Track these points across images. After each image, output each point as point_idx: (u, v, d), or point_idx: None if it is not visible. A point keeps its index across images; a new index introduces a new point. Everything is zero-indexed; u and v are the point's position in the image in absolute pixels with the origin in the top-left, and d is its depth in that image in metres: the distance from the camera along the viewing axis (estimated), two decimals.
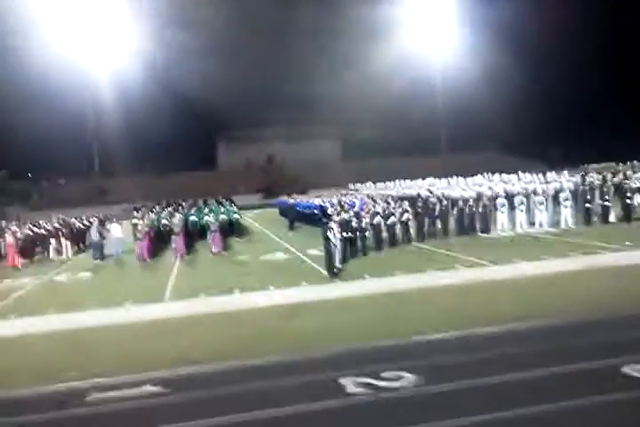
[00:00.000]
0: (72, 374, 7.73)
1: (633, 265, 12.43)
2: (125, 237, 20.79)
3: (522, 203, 19.25)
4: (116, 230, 20.59)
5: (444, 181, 32.10)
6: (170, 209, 25.90)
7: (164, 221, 22.06)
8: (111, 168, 55.79)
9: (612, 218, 19.39)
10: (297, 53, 51.29)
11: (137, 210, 26.90)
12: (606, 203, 19.42)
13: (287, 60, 52.61)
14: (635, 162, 35.58)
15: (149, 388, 7.10)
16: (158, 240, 21.61)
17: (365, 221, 16.77)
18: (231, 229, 23.36)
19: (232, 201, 29.26)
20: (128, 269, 17.57)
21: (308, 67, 52.03)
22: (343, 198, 25.15)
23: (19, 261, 19.44)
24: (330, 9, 49.64)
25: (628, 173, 29.44)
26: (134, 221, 22.18)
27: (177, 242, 18.98)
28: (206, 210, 24.54)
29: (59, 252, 20.91)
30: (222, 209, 24.69)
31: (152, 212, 24.98)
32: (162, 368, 7.74)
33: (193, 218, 22.77)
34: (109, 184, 54.43)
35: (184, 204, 30.49)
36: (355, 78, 50.53)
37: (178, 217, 20.48)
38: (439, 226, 18.99)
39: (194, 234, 22.35)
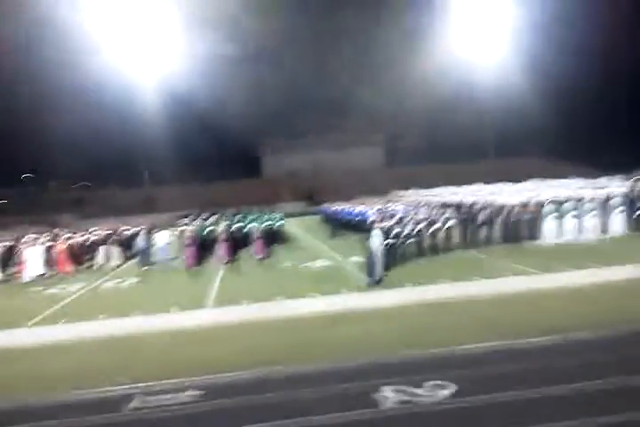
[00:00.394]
0: (117, 379, 7.93)
1: None
2: (172, 245, 21.23)
3: (571, 209, 18.73)
4: (162, 238, 21.06)
5: (490, 186, 31.53)
6: (215, 216, 26.35)
7: (209, 229, 22.46)
8: (160, 177, 57.29)
9: None
10: (338, 60, 51.45)
11: (184, 218, 27.48)
12: None
13: (328, 66, 52.81)
14: None
15: (191, 393, 7.21)
16: (204, 247, 21.97)
17: (408, 228, 16.63)
18: (274, 237, 23.56)
19: (274, 209, 29.55)
20: (174, 276, 17.92)
21: (350, 73, 52.13)
22: (386, 206, 25.01)
23: (69, 267, 20.11)
24: (372, 13, 49.62)
25: None
26: (181, 228, 22.66)
27: (222, 249, 19.28)
28: (251, 217, 24.83)
29: (108, 259, 21.51)
30: (266, 216, 24.95)
31: (198, 219, 25.48)
32: (203, 374, 7.86)
33: (238, 225, 23.07)
34: (158, 193, 55.80)
35: (230, 211, 30.93)
36: (398, 83, 50.31)
37: (223, 224, 20.81)
38: (483, 233, 18.65)
39: (238, 241, 22.65)
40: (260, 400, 6.88)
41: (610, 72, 47.17)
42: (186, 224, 23.14)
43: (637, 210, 18.89)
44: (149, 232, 21.30)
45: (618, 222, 18.71)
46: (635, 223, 18.87)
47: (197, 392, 7.25)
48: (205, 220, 25.24)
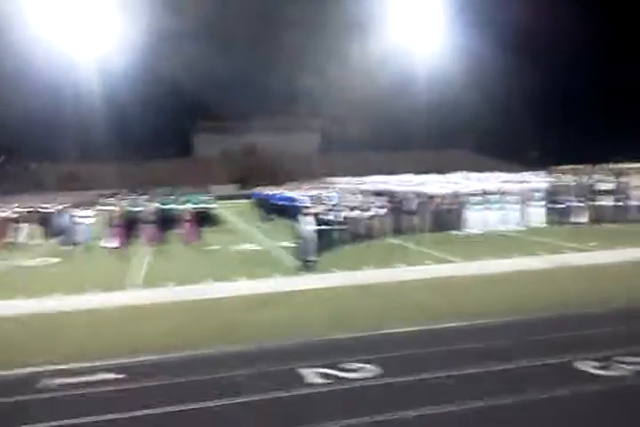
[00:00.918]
0: (29, 360, 7.61)
1: (598, 265, 12.71)
2: (97, 225, 20.50)
3: (495, 202, 19.50)
4: (87, 217, 20.27)
5: (421, 177, 32.30)
6: (143, 197, 25.62)
7: (136, 209, 21.85)
8: (86, 154, 55.00)
9: (582, 219, 19.76)
10: (281, 45, 50.90)
11: (110, 197, 26.55)
12: (577, 204, 19.78)
13: (270, 50, 52.27)
14: (608, 164, 36.20)
15: (107, 375, 7.03)
16: (131, 228, 21.36)
17: (341, 214, 16.81)
18: (205, 219, 23.24)
19: (206, 191, 29.06)
20: (97, 256, 17.34)
21: (292, 58, 51.76)
22: (319, 192, 25.14)
23: None
24: (318, 1, 49.37)
25: (600, 174, 29.99)
26: (106, 207, 21.89)
27: (149, 230, 18.81)
28: (180, 199, 24.33)
29: (28, 237, 20.53)
30: (197, 198, 24.52)
31: (125, 199, 24.71)
32: (125, 356, 7.67)
33: (166, 207, 22.59)
34: (83, 170, 53.63)
35: (158, 192, 30.19)
36: (338, 72, 50.38)
37: (150, 205, 20.25)
38: (415, 222, 19.13)
39: (167, 222, 22.19)
40: (177, 382, 6.79)
41: (541, 71, 49.16)
42: (111, 204, 22.36)
43: (556, 204, 19.90)
44: (73, 211, 20.48)
45: (538, 215, 19.67)
46: (553, 216, 19.89)
47: (118, 375, 7.07)
48: (134, 200, 24.51)
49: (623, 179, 25.58)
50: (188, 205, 20.93)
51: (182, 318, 9.78)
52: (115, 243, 18.31)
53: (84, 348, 8.24)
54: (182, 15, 44.84)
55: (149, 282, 12.77)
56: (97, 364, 7.43)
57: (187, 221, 19.45)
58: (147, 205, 20.90)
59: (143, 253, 17.22)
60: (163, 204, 22.95)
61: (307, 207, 15.45)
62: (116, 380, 6.92)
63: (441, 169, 36.19)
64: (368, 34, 49.92)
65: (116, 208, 19.94)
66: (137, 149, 54.83)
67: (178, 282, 12.42)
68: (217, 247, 17.95)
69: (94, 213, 20.46)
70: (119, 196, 26.99)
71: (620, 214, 19.66)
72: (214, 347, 7.95)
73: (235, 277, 12.75)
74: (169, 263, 15.67)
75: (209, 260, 15.90)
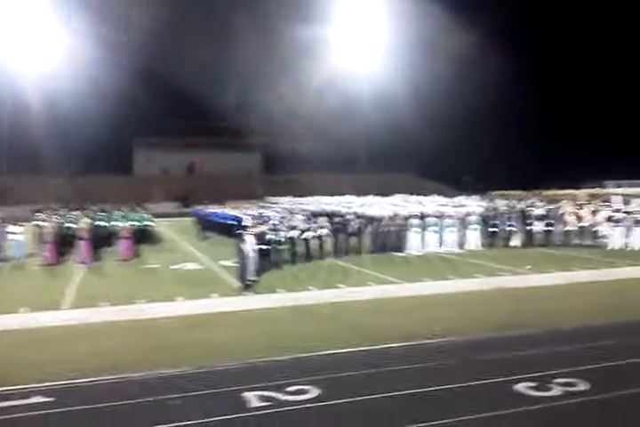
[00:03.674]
0: None
1: (531, 287, 13.16)
2: (27, 241, 19.59)
3: (434, 224, 19.95)
4: (17, 233, 19.34)
5: (361, 198, 32.72)
6: (77, 212, 24.69)
7: (70, 225, 21.05)
8: (19, 167, 52.66)
9: (515, 243, 20.47)
10: (226, 64, 50.92)
11: (41, 212, 25.42)
12: (511, 228, 20.51)
13: (215, 69, 52.06)
14: (541, 191, 37.93)
15: (35, 398, 6.65)
16: (63, 245, 20.53)
17: (282, 234, 16.75)
18: (142, 237, 22.66)
19: (145, 208, 28.34)
20: (28, 274, 16.53)
21: (236, 77, 51.79)
22: (261, 211, 25.01)
23: None
24: (265, 22, 49.74)
25: (532, 200, 31.29)
26: (38, 223, 20.95)
27: (82, 247, 18.11)
28: (117, 215, 23.61)
29: None
30: (134, 215, 23.85)
31: (58, 214, 23.73)
32: (54, 379, 7.28)
33: (102, 223, 21.91)
34: (14, 183, 51.29)
35: (94, 208, 29.20)
36: (284, 92, 50.75)
37: (85, 221, 19.51)
38: (354, 243, 19.30)
39: (102, 240, 21.49)
40: (115, 406, 6.50)
41: (480, 97, 51.00)
42: (44, 219, 21.42)
43: (490, 227, 20.56)
44: (3, 226, 19.50)
45: (473, 238, 20.25)
46: (488, 239, 20.52)
47: (47, 399, 6.69)
48: (67, 215, 23.58)
49: (554, 205, 26.81)
50: (126, 222, 20.27)
51: (117, 339, 9.41)
52: (47, 260, 17.54)
53: (11, 370, 7.78)
54: (127, 28, 44.17)
55: (82, 301, 12.24)
56: (25, 386, 7.03)
57: (123, 238, 18.89)
58: (81, 221, 20.13)
59: (77, 271, 16.55)
60: (99, 220, 22.23)
61: (248, 227, 15.33)
62: (45, 403, 6.56)
63: (383, 191, 36.80)
64: (315, 55, 50.64)
65: (49, 224, 19.11)
66: (74, 163, 53.11)
67: (113, 302, 11.97)
68: (155, 266, 17.47)
69: (25, 228, 19.48)
70: (51, 211, 25.87)
71: (550, 239, 20.50)
72: (150, 369, 7.67)
73: (173, 296, 12.41)
74: (104, 282, 15.11)
75: (146, 279, 15.44)
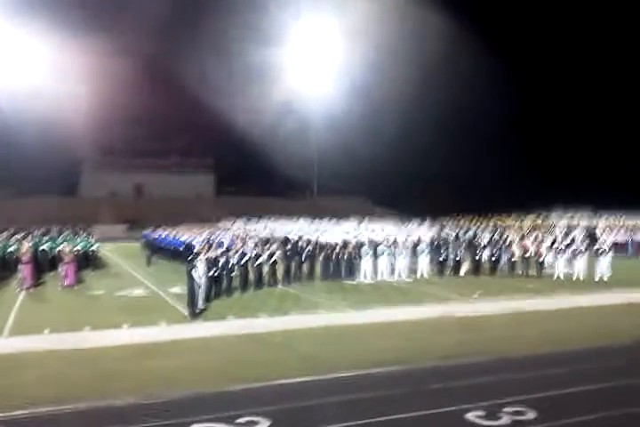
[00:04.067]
0: None
1: (480, 316, 13.37)
2: None
3: (384, 252, 20.12)
4: None
5: (313, 225, 32.77)
6: (18, 236, 23.71)
7: (10, 249, 20.23)
8: None
9: (463, 271, 20.86)
10: (180, 84, 50.54)
11: None
12: (458, 257, 20.91)
13: (166, 88, 51.61)
14: (489, 217, 38.86)
15: None
16: (3, 269, 19.73)
17: (233, 260, 16.54)
18: (86, 262, 21.98)
19: (89, 232, 27.50)
20: None
21: (188, 98, 51.37)
22: (212, 236, 24.67)
23: None
24: (218, 42, 49.71)
25: (480, 229, 32.10)
26: None
27: (23, 272, 17.35)
28: (60, 239, 22.81)
29: None
30: (78, 239, 23.10)
31: None
32: None
33: (44, 247, 21.15)
34: None
35: (36, 231, 28.16)
36: (236, 114, 50.67)
37: (26, 244, 18.75)
38: (305, 270, 19.24)
39: (44, 264, 20.73)
40: None
41: (433, 122, 52.10)
42: None
43: (441, 254, 20.91)
44: None
45: (425, 265, 20.53)
46: (439, 266, 20.84)
47: None
48: (6, 238, 22.62)
49: (500, 233, 27.55)
50: (69, 246, 19.56)
51: (58, 368, 8.98)
52: None
53: None
54: (79, 49, 43.39)
55: (21, 328, 11.68)
56: None
57: (66, 262, 18.19)
58: (21, 244, 19.34)
59: (16, 297, 15.82)
60: (40, 243, 21.43)
61: (197, 252, 15.06)
62: None
63: (335, 215, 37.04)
64: (268, 77, 50.90)
65: None
66: (14, 184, 51.34)
67: (53, 329, 11.47)
68: (100, 292, 16.89)
69: None
70: None
71: (495, 267, 21.02)
72: (94, 400, 7.33)
73: (118, 324, 11.99)
74: (45, 308, 14.48)
75: (90, 305, 14.88)
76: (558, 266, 20.32)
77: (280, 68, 51.56)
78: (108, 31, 44.61)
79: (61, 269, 18.28)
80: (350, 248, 20.10)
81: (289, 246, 19.61)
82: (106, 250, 29.43)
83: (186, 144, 66.82)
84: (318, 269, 19.58)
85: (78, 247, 21.27)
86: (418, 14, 45.27)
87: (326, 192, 60.02)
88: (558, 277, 19.90)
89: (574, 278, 19.60)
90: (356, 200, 60.78)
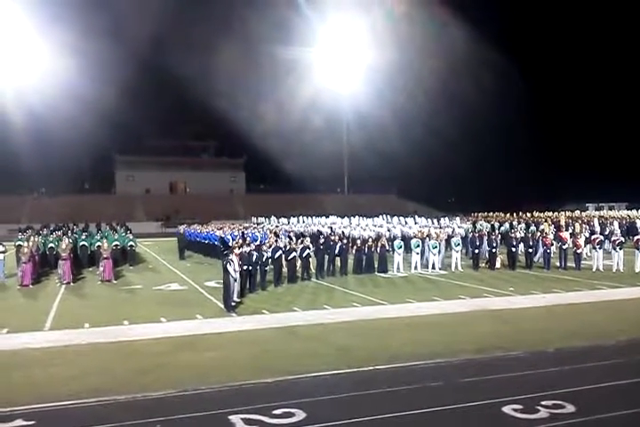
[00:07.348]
0: None
1: (514, 309, 13.19)
2: (8, 261, 19.24)
3: (417, 246, 20.02)
4: None
5: (345, 219, 32.77)
6: (59, 232, 24.40)
7: (50, 245, 20.81)
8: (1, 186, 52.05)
9: (498, 264, 20.58)
10: (210, 83, 51.03)
11: (22, 231, 25.09)
12: (493, 250, 20.62)
13: (199, 88, 52.19)
14: (521, 213, 38.30)
15: (16, 422, 6.48)
16: (44, 265, 20.29)
17: (266, 255, 16.68)
18: (124, 257, 22.45)
19: (127, 228, 28.09)
20: (8, 295, 16.21)
21: (220, 97, 51.87)
22: (245, 231, 24.94)
23: None
24: (248, 43, 50.06)
25: (514, 222, 31.61)
26: (18, 242, 20.64)
27: (63, 267, 17.83)
28: (98, 235, 23.37)
29: None
30: (116, 235, 23.62)
31: (39, 234, 23.43)
32: (35, 403, 7.11)
33: (83, 243, 21.66)
34: None
35: (75, 227, 28.94)
36: (266, 112, 50.94)
37: (66, 241, 19.26)
38: (339, 264, 19.28)
39: (83, 259, 21.27)
40: None
41: (460, 119, 51.69)
42: (23, 238, 21.10)
43: (476, 247, 20.67)
44: None
45: (459, 258, 20.33)
46: (473, 260, 20.61)
47: (28, 422, 6.52)
48: (48, 235, 23.29)
49: (533, 227, 27.09)
50: (106, 242, 20.01)
51: (99, 361, 9.22)
52: (25, 280, 17.22)
53: None
54: (111, 44, 44.15)
55: (62, 323, 12.01)
56: (6, 410, 6.85)
57: (105, 258, 18.62)
58: (61, 240, 19.87)
59: (57, 292, 16.27)
60: (79, 239, 21.97)
61: (233, 247, 15.23)
62: None
63: (367, 212, 36.95)
64: (298, 76, 50.87)
65: (28, 243, 18.78)
66: (54, 182, 52.67)
67: (93, 323, 11.77)
68: (138, 286, 17.26)
69: (5, 248, 19.11)
70: (33, 231, 25.54)
71: (531, 260, 20.64)
72: (133, 392, 7.52)
73: (156, 317, 12.24)
74: (84, 302, 14.87)
75: (128, 299, 15.21)
76: (598, 258, 19.88)
77: (309, 67, 51.52)
78: (140, 31, 45.27)
79: (100, 264, 18.73)
80: (383, 241, 20.06)
81: (322, 240, 19.66)
82: (142, 245, 29.99)
83: (218, 143, 67.61)
84: (351, 262, 19.59)
85: (117, 243, 21.75)
86: (446, 13, 44.94)
87: (357, 189, 59.85)
88: (597, 270, 19.49)
89: (614, 270, 19.16)
90: (386, 197, 60.52)
